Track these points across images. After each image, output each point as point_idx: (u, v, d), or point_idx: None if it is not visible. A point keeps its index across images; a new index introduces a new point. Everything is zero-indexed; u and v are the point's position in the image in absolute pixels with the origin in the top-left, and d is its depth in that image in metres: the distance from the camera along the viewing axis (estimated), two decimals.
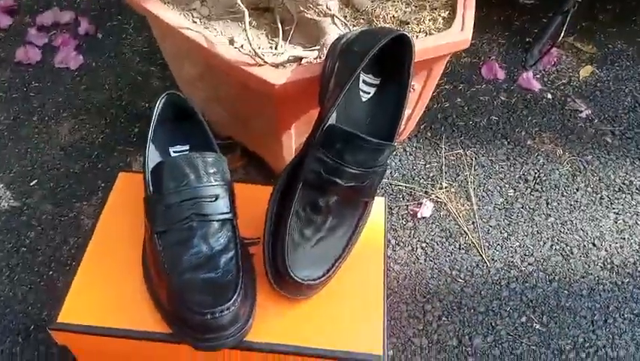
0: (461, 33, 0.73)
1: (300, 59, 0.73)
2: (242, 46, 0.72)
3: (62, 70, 1.07)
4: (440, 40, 0.72)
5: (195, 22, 0.75)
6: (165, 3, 0.75)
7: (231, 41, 0.73)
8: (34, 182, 0.89)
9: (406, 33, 0.58)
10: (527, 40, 1.24)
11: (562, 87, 1.15)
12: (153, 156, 0.67)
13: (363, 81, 0.65)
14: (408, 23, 0.79)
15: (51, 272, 0.79)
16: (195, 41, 0.69)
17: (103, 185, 0.90)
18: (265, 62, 0.67)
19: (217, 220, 0.58)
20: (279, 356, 0.59)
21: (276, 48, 0.76)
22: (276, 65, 0.69)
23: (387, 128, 0.61)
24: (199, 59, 0.76)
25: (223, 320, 0.52)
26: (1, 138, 0.96)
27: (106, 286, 0.61)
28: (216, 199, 0.59)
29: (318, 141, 0.58)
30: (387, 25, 0.76)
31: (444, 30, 0.75)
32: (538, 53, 1.20)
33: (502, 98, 1.11)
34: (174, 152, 0.70)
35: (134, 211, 0.68)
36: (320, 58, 0.73)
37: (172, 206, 0.58)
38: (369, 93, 0.64)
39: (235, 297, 0.53)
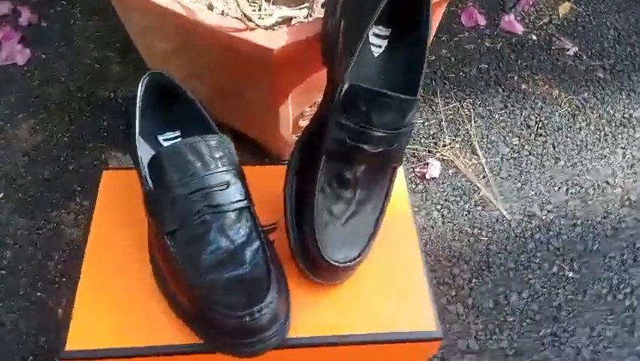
0: None
1: (290, 19, 0.66)
2: (222, 12, 0.64)
3: (9, 67, 0.95)
4: None
5: None
6: None
7: (210, 7, 0.64)
8: (0, 195, 0.79)
9: None
10: None
11: (544, 27, 1.11)
12: (142, 149, 0.58)
13: (374, 34, 0.57)
14: None
15: (39, 293, 0.70)
16: (171, 11, 0.60)
17: (79, 189, 0.80)
18: (257, 25, 0.59)
19: (232, 210, 0.51)
20: (327, 350, 0.53)
21: (259, 10, 0.68)
22: (265, 29, 0.61)
23: (408, 83, 0.54)
24: (175, 31, 0.67)
25: (263, 319, 0.46)
26: None
27: (114, 302, 0.53)
28: (228, 186, 0.51)
29: (338, 106, 0.51)
30: None
31: None
32: None
33: (488, 45, 1.06)
34: (165, 140, 0.61)
35: (127, 213, 0.59)
36: (310, 16, 0.66)
37: (179, 200, 0.50)
38: (380, 47, 0.57)
39: (271, 292, 0.47)
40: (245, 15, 0.58)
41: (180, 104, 0.60)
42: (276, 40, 0.58)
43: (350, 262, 0.53)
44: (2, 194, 0.79)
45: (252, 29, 0.59)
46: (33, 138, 0.86)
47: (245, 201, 0.52)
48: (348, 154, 0.52)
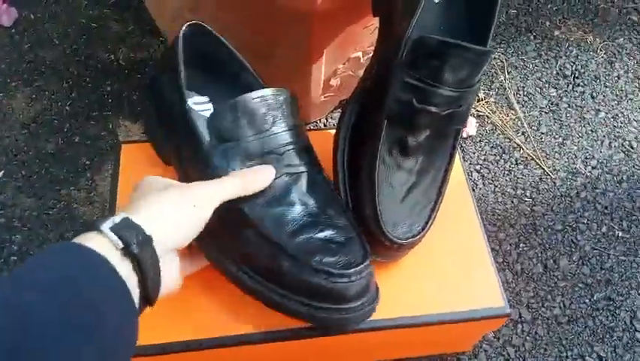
0: None
1: None
2: None
3: None
4: None
5: None
6: None
7: None
8: (0, 174, 0.71)
9: None
10: None
11: None
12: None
13: None
14: None
15: None
16: None
17: (88, 163, 0.73)
18: None
19: (308, 171, 0.46)
20: (397, 332, 0.48)
21: None
22: None
23: (476, 31, 0.48)
24: None
25: (363, 281, 0.41)
26: None
27: None
28: (300, 147, 0.46)
29: (404, 62, 0.44)
30: None
31: None
32: None
33: None
34: (195, 104, 0.53)
35: None
36: None
37: (254, 158, 0.43)
38: None
39: (368, 254, 0.43)
40: None
41: (215, 61, 0.53)
42: None
43: (413, 237, 0.48)
44: (2, 172, 0.72)
45: None
46: (31, 108, 0.77)
47: (317, 162, 0.48)
48: (412, 118, 0.46)
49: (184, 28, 0.48)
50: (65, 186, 0.71)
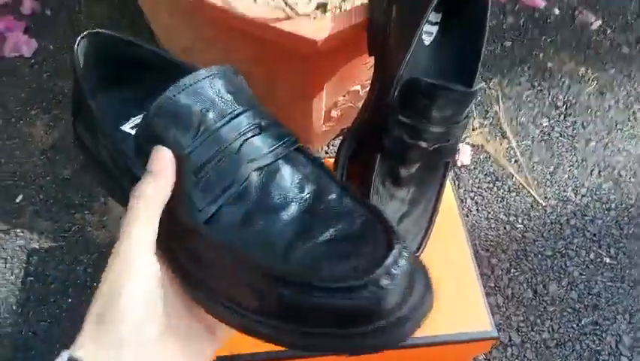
0: None
1: (325, 5, 0.62)
2: (255, 0, 0.60)
3: (16, 60, 0.91)
4: None
5: None
6: None
7: None
8: (19, 198, 0.76)
9: None
10: None
11: (566, 0, 1.07)
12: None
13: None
14: None
15: (70, 299, 0.68)
16: (206, 2, 0.56)
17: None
18: (298, 14, 0.56)
19: (280, 157, 0.33)
20: (387, 354, 0.51)
21: None
22: (306, 16, 0.58)
23: (463, 72, 0.52)
24: (206, 25, 0.63)
25: (400, 280, 0.27)
26: None
27: None
28: (260, 130, 0.33)
29: (396, 101, 0.48)
30: None
31: None
32: None
33: (510, 21, 1.03)
34: (132, 128, 0.39)
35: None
36: (345, 1, 0.63)
37: (202, 171, 0.31)
38: (431, 34, 0.54)
39: (396, 237, 0.29)
40: (286, 3, 0.54)
41: (137, 69, 0.40)
42: (320, 31, 0.54)
43: None
44: (21, 196, 0.76)
45: (290, 18, 0.56)
46: (49, 135, 0.82)
47: (290, 138, 0.34)
48: (404, 152, 0.49)
49: (78, 42, 0.37)
50: (80, 210, 0.75)
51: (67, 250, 0.71)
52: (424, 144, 0.49)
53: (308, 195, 0.33)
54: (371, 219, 0.31)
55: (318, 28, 0.54)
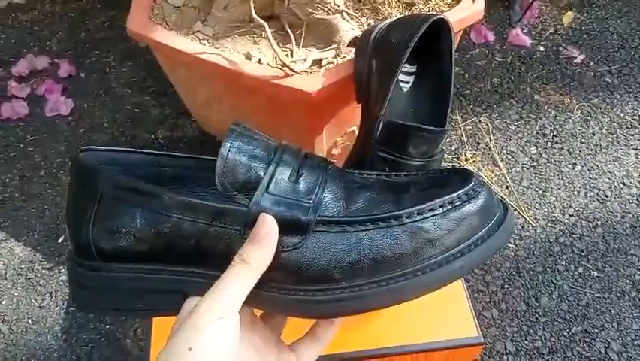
0: (474, 5, 0.72)
1: (320, 60, 0.72)
2: (259, 60, 0.70)
3: (55, 118, 1.03)
4: (456, 15, 0.71)
5: (204, 44, 0.72)
6: (169, 30, 0.73)
7: (248, 56, 0.71)
8: (61, 239, 0.86)
9: (444, 17, 0.57)
10: None
11: (551, 37, 1.16)
12: None
13: (401, 71, 0.64)
14: (414, 4, 0.78)
15: (107, 326, 0.76)
16: (216, 64, 0.67)
17: None
18: (294, 71, 0.66)
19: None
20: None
21: (291, 55, 0.74)
22: (302, 73, 0.68)
23: (437, 114, 0.60)
24: (218, 81, 0.73)
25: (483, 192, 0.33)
26: (13, 200, 0.91)
27: None
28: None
29: (377, 141, 0.57)
30: (406, 12, 0.75)
31: (454, 5, 0.75)
32: (520, 9, 1.21)
33: (498, 60, 1.12)
34: None
35: None
36: (338, 56, 0.72)
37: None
38: (408, 83, 0.64)
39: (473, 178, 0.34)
40: (285, 64, 0.64)
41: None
42: (314, 84, 0.64)
43: None
44: (63, 237, 0.86)
45: (289, 76, 0.66)
46: None
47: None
48: None
49: (74, 160, 0.35)
50: None
51: None
52: None
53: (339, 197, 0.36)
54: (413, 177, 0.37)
55: (312, 82, 0.64)
